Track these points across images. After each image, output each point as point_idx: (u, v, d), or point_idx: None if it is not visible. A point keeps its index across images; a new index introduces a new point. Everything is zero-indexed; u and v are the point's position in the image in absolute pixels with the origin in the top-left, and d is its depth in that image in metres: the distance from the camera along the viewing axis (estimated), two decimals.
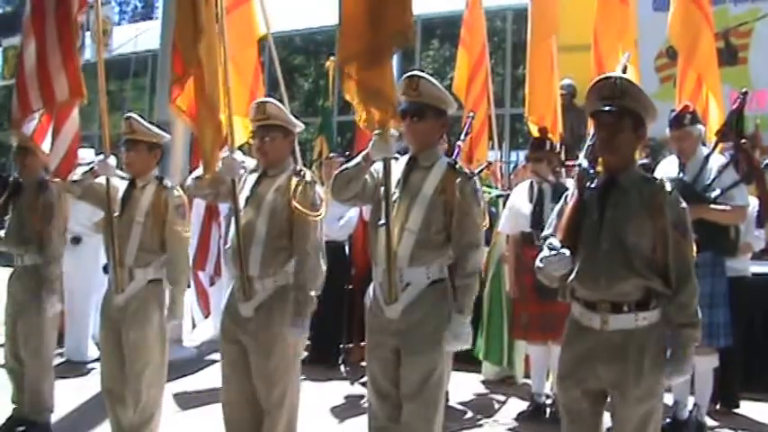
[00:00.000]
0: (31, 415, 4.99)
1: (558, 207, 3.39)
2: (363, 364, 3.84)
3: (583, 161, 4.22)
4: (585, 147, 3.98)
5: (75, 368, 6.72)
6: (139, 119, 4.49)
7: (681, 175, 5.03)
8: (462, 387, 6.23)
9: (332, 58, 8.54)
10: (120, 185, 4.50)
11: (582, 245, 3.14)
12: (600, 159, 3.32)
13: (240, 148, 5.04)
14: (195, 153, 7.42)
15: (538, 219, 5.45)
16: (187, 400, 5.79)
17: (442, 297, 3.54)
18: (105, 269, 4.57)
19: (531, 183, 5.65)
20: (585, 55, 6.86)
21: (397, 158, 3.61)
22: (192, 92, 4.14)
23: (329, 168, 7.21)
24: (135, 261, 4.36)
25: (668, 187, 3.14)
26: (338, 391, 6.24)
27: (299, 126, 4.12)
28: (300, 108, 15.34)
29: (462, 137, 6.31)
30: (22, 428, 4.99)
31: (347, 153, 7.51)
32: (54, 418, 5.13)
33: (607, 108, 3.10)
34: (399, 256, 3.47)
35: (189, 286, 7.66)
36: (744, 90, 5.25)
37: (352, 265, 7.26)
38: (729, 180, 4.94)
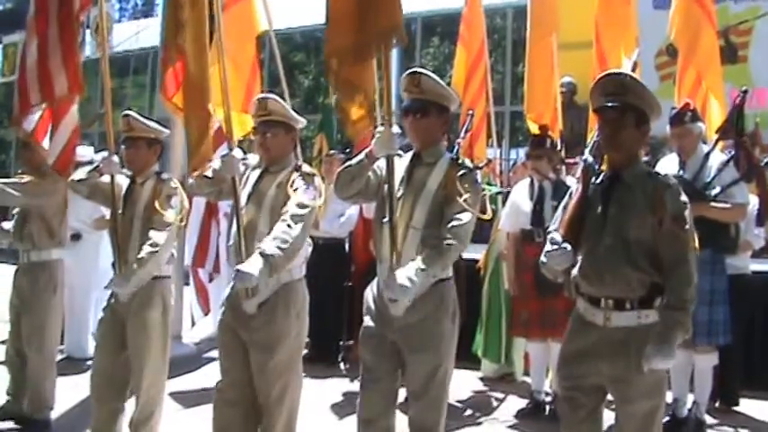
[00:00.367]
0: (31, 412, 4.99)
1: (563, 201, 3.40)
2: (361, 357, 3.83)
3: (588, 157, 4.23)
4: (591, 142, 3.98)
5: (75, 365, 6.71)
6: (137, 116, 4.48)
7: (681, 172, 5.03)
8: (461, 384, 6.22)
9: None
10: (124, 183, 4.51)
11: (585, 240, 3.15)
12: (604, 155, 3.32)
13: (240, 145, 5.05)
14: None
15: (538, 216, 5.47)
16: (187, 398, 5.79)
17: (447, 294, 3.54)
18: (114, 266, 4.58)
19: (532, 180, 5.65)
20: (586, 52, 6.85)
21: (400, 155, 3.61)
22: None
23: (329, 165, 7.21)
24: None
25: (671, 181, 3.14)
26: (338, 388, 6.24)
27: (300, 122, 4.11)
28: (301, 105, 15.35)
29: (462, 134, 6.31)
30: (11, 421, 5.02)
31: (347, 150, 7.51)
32: (54, 414, 5.13)
33: (610, 104, 3.11)
34: (404, 254, 3.46)
35: (188, 284, 7.73)
36: (744, 88, 5.25)
37: (352, 262, 7.25)
38: (729, 178, 4.94)
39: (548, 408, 5.51)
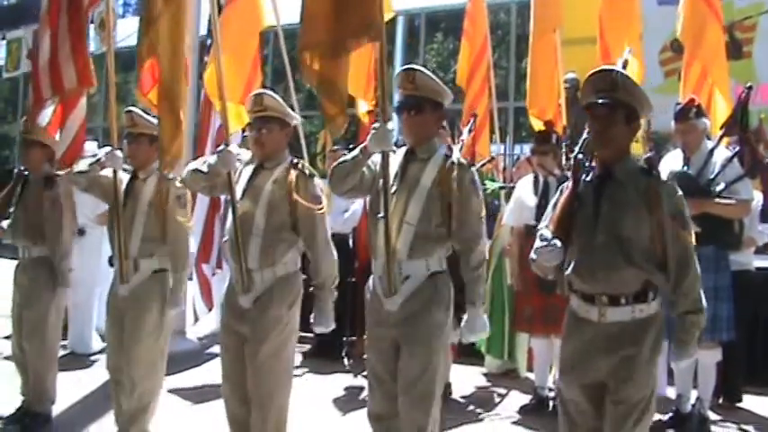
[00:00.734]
0: (33, 405, 5.00)
1: (554, 198, 3.39)
2: (366, 356, 3.84)
3: (578, 153, 4.22)
4: (582, 139, 3.98)
5: (78, 360, 6.73)
6: (141, 112, 4.52)
7: (685, 168, 5.02)
8: (464, 380, 6.24)
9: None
10: (125, 178, 4.52)
11: (577, 237, 3.15)
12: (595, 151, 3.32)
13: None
14: (199, 144, 7.46)
15: (543, 212, 5.43)
16: (190, 394, 5.79)
17: (442, 289, 3.56)
18: (111, 261, 4.59)
19: (537, 176, 5.64)
20: (590, 48, 6.83)
21: (394, 151, 3.61)
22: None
23: (333, 161, 7.17)
24: (139, 252, 4.40)
25: (664, 177, 3.14)
26: (341, 383, 6.25)
27: (296, 118, 4.12)
28: (305, 100, 15.28)
29: (465, 134, 6.31)
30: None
31: (351, 146, 7.50)
32: (56, 409, 5.13)
33: (600, 101, 3.11)
34: (398, 249, 3.48)
35: (191, 279, 7.74)
36: (749, 84, 5.24)
37: (355, 257, 7.25)
38: (734, 174, 4.92)
39: (551, 404, 5.51)
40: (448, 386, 5.76)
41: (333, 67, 3.54)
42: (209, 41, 7.05)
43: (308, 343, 6.98)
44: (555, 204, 3.33)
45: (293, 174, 3.89)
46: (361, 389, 5.92)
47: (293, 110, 4.23)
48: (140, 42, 4.24)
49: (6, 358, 5.55)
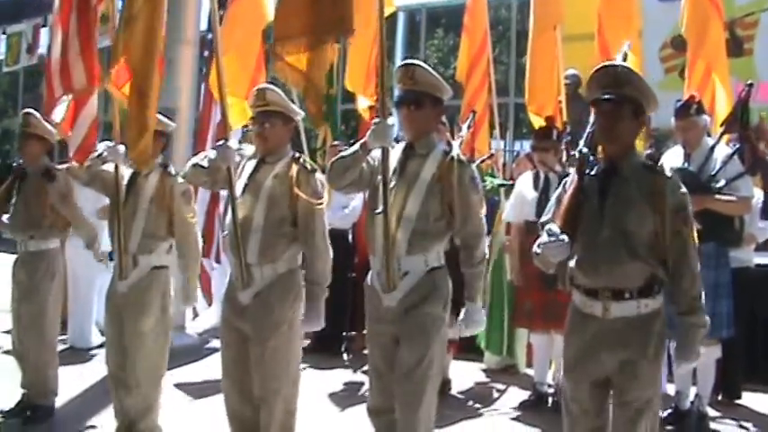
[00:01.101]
0: (34, 398, 5.01)
1: (557, 193, 3.39)
2: (366, 351, 3.84)
3: (583, 148, 4.22)
4: (585, 134, 3.98)
5: (78, 354, 6.74)
6: None
7: (686, 165, 5.02)
8: (464, 376, 6.24)
9: (335, 45, 8.52)
10: (126, 173, 4.51)
11: (582, 232, 3.13)
12: (600, 147, 3.32)
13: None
14: (199, 139, 7.47)
15: (543, 208, 5.43)
16: (190, 389, 5.81)
17: (440, 284, 3.56)
18: (111, 256, 4.59)
19: (537, 172, 5.63)
20: (590, 44, 6.82)
21: (393, 146, 3.61)
22: None
23: (333, 156, 7.18)
24: (139, 248, 4.38)
25: (668, 173, 3.14)
26: (341, 378, 6.26)
27: (299, 113, 4.11)
28: None
29: (464, 130, 6.31)
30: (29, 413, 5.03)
31: (351, 141, 7.50)
32: (57, 403, 5.15)
33: (607, 96, 3.10)
34: (397, 245, 3.48)
35: None
36: (749, 82, 5.24)
37: (355, 253, 7.25)
38: (734, 171, 4.92)
39: (550, 400, 5.52)
40: (447, 382, 5.76)
41: (307, 61, 3.57)
42: (209, 36, 7.05)
43: (308, 338, 6.97)
44: (558, 199, 3.32)
45: (294, 168, 3.88)
46: (361, 384, 5.93)
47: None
48: (117, 39, 4.22)
49: (6, 352, 5.55)
